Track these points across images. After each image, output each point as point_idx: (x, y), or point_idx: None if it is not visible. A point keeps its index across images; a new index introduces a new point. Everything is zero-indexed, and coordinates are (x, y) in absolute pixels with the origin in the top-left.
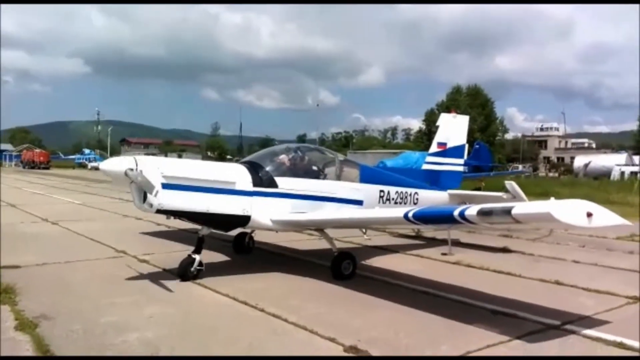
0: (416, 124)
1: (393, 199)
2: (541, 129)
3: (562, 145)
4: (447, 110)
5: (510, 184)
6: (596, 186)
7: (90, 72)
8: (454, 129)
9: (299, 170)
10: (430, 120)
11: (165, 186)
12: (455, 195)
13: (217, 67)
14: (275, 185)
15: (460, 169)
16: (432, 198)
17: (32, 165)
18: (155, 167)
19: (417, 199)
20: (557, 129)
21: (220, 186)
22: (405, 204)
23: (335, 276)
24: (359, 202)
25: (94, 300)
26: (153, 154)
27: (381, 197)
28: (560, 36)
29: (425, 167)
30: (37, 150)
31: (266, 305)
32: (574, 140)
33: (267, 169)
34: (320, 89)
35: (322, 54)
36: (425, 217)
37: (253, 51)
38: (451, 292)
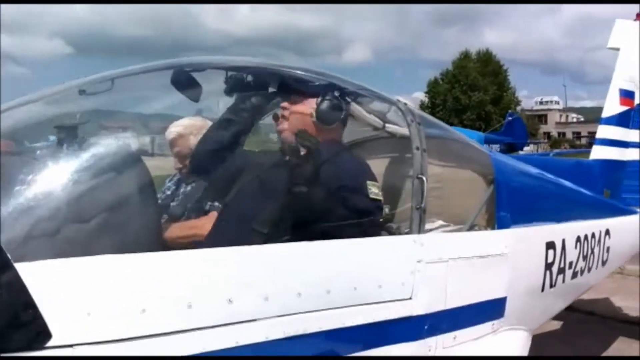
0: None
1: (570, 264)
2: (540, 103)
3: (563, 119)
4: (454, 79)
5: None
6: None
7: (72, 52)
8: None
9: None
10: (435, 92)
11: None
12: None
13: (201, 47)
14: None
15: None
16: (626, 234)
17: None
18: None
19: (608, 248)
20: (557, 102)
21: None
22: (590, 267)
23: None
24: (493, 311)
25: None
26: None
27: (549, 265)
28: (550, 9)
29: (596, 154)
30: None
31: None
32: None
33: None
34: None
35: (305, 30)
36: None
37: (234, 29)
38: None
